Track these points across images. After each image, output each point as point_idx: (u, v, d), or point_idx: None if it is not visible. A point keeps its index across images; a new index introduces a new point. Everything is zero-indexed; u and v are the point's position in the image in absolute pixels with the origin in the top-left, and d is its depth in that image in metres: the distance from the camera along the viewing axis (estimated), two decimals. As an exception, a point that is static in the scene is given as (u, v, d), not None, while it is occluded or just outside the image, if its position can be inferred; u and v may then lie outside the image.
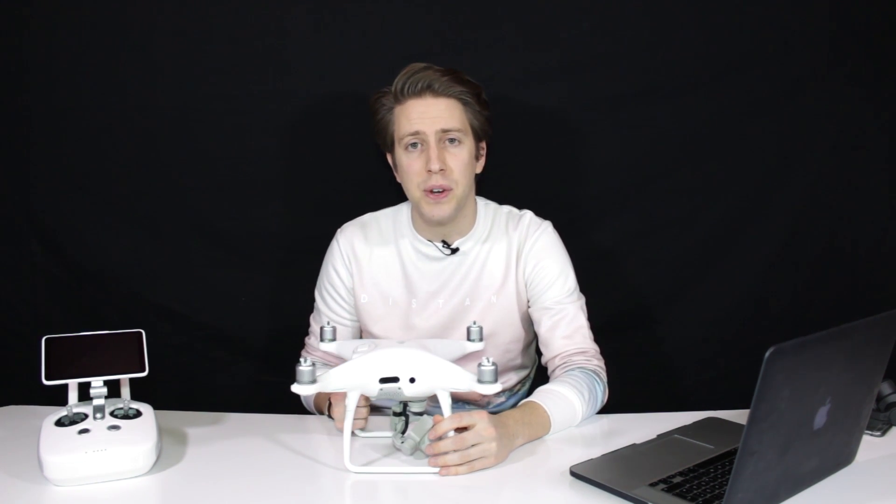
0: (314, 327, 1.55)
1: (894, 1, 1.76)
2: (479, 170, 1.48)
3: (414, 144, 1.39)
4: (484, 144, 1.48)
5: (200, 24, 1.74)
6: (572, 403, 1.29)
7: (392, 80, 1.40)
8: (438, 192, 1.38)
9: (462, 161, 1.40)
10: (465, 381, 1.12)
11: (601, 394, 1.38)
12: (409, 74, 1.38)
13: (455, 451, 1.12)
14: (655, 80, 1.78)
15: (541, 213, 1.53)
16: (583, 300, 1.48)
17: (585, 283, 1.50)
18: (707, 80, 1.79)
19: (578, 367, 1.38)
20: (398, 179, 1.46)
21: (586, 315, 1.46)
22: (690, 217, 1.84)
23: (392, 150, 1.45)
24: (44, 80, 1.75)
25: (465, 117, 1.40)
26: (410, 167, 1.40)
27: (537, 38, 1.76)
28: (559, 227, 1.52)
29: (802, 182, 1.83)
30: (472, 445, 1.13)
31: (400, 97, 1.39)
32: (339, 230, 1.54)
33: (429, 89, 1.37)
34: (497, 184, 1.61)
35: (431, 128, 1.37)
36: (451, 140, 1.39)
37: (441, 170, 1.37)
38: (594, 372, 1.38)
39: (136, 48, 1.74)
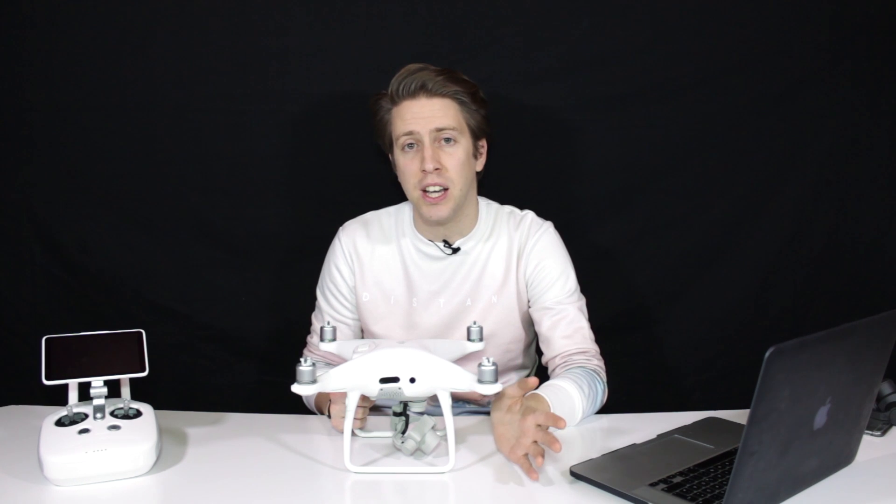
0: (316, 326, 1.56)
1: (894, 1, 1.77)
2: (479, 168, 1.48)
3: (410, 145, 1.40)
4: (484, 142, 1.48)
5: (200, 23, 1.74)
6: (571, 397, 1.29)
7: (391, 80, 1.41)
8: (437, 193, 1.39)
9: (458, 160, 1.40)
10: (466, 381, 1.12)
11: (601, 393, 1.38)
12: (403, 76, 1.39)
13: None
14: (655, 80, 1.78)
15: (541, 212, 1.53)
16: (583, 301, 1.48)
17: (585, 283, 1.50)
18: (707, 80, 1.79)
19: (579, 366, 1.38)
20: (399, 179, 1.46)
21: (586, 316, 1.47)
22: (690, 217, 1.84)
23: (391, 151, 1.45)
24: (44, 80, 1.75)
25: (460, 116, 1.41)
26: (407, 168, 1.41)
27: (537, 37, 1.76)
28: (559, 227, 1.53)
29: (802, 182, 1.83)
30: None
31: (396, 98, 1.40)
32: (341, 228, 1.54)
33: (422, 89, 1.38)
34: (497, 184, 1.61)
35: (425, 127, 1.38)
36: (447, 139, 1.39)
37: (436, 169, 1.37)
38: (594, 371, 1.39)
39: (135, 48, 1.74)
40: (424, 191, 1.39)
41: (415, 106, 1.39)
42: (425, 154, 1.37)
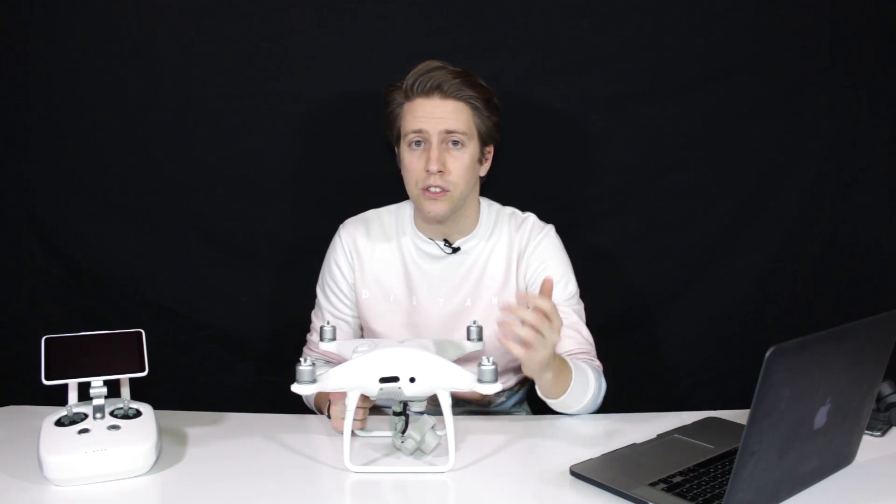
0: (316, 324, 1.56)
1: (894, 1, 1.77)
2: (482, 173, 1.48)
3: (418, 143, 1.40)
4: (491, 148, 1.48)
5: (200, 24, 1.74)
6: (586, 372, 1.32)
7: (394, 79, 1.42)
8: (437, 190, 1.39)
9: (463, 164, 1.40)
10: (465, 381, 1.12)
11: (603, 388, 1.39)
12: (421, 72, 1.39)
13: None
14: (655, 80, 1.78)
15: (540, 212, 1.53)
16: (581, 306, 1.49)
17: (585, 283, 1.51)
18: (707, 80, 1.79)
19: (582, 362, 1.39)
20: (402, 174, 1.46)
21: (584, 321, 1.47)
22: (690, 217, 1.84)
23: (398, 145, 1.46)
24: (44, 80, 1.75)
25: (471, 121, 1.41)
26: (411, 164, 1.41)
27: (537, 38, 1.76)
28: (559, 228, 1.53)
29: (802, 182, 1.83)
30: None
31: (409, 94, 1.40)
32: (341, 225, 1.55)
33: (438, 89, 1.38)
34: (498, 184, 1.61)
35: (435, 128, 1.38)
36: (455, 142, 1.39)
37: (440, 171, 1.38)
38: (597, 369, 1.40)
39: (136, 48, 1.74)
40: (425, 188, 1.39)
41: (428, 105, 1.38)
42: (431, 155, 1.38)
